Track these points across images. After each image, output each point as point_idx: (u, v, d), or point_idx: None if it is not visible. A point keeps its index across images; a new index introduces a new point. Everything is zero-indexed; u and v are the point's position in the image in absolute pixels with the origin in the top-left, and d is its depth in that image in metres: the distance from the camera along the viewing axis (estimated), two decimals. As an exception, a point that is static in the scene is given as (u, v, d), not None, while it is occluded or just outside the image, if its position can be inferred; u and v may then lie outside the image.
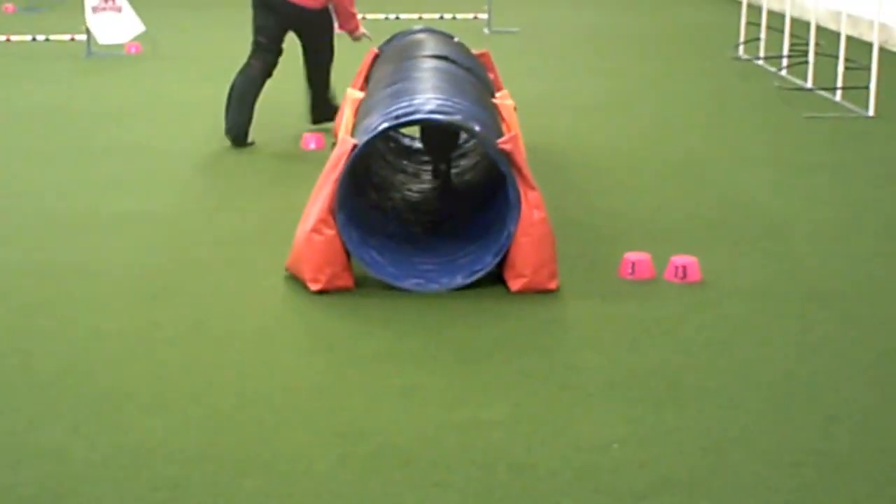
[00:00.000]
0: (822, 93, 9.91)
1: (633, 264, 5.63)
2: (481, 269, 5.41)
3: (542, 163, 7.44)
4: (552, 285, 5.38)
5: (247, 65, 8.23)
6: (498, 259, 5.39)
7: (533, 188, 5.35)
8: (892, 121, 9.07)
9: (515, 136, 5.50)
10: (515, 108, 6.65)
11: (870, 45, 9.77)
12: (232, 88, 8.18)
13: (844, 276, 5.67)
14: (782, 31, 11.17)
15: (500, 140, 5.37)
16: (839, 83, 9.74)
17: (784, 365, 4.64)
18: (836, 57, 9.79)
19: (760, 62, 11.47)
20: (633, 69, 11.47)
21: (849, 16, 10.08)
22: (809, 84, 10.23)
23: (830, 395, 4.37)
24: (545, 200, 5.43)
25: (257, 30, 8.25)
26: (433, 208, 6.55)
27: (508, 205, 5.35)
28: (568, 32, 14.08)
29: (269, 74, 8.26)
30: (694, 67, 11.61)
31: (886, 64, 9.49)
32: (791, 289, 5.50)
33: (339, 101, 8.03)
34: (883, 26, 11.66)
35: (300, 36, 8.38)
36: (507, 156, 5.33)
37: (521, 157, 5.41)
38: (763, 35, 11.63)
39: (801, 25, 11.39)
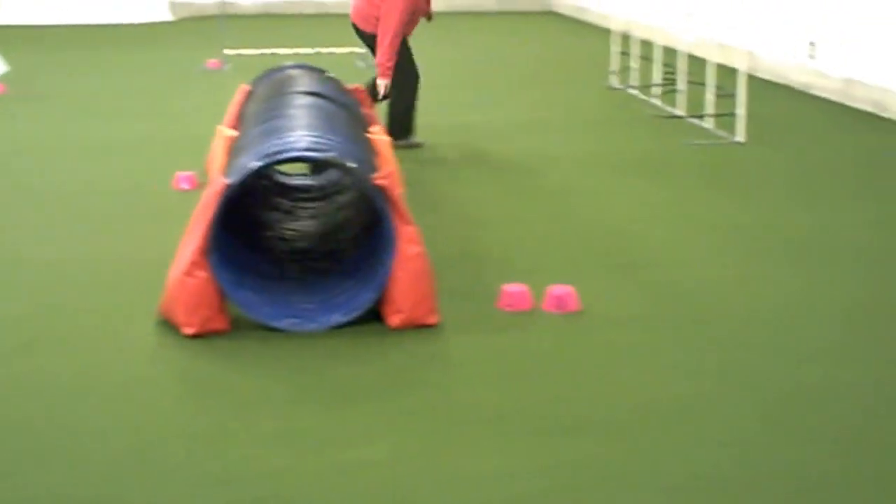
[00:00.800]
0: (694, 120, 10.05)
1: (512, 296, 5.60)
2: (359, 307, 5.33)
3: (419, 196, 7.41)
4: (431, 320, 5.32)
5: None
6: (376, 295, 5.31)
7: (409, 223, 5.30)
8: (762, 146, 9.22)
9: (391, 172, 5.45)
10: (391, 143, 6.61)
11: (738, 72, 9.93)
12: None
13: (721, 300, 5.71)
14: (652, 61, 11.32)
15: (374, 176, 5.31)
16: (709, 110, 9.89)
17: (665, 391, 4.64)
18: (705, 84, 9.95)
19: (633, 91, 11.60)
20: (509, 100, 11.52)
21: (717, 45, 10.24)
22: (681, 112, 10.37)
23: (715, 420, 4.37)
24: (423, 234, 5.37)
25: None
26: (310, 246, 6.45)
27: (385, 241, 5.28)
28: (443, 64, 14.10)
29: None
30: (568, 97, 11.70)
31: (754, 90, 9.65)
32: (669, 314, 5.52)
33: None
34: (750, 54, 11.90)
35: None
36: (383, 191, 5.27)
37: (397, 193, 5.35)
38: (635, 64, 11.77)
39: (671, 54, 11.54)
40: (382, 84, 8.91)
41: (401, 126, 9.15)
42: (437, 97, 11.69)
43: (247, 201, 6.72)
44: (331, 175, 7.49)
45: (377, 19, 8.93)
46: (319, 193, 7.27)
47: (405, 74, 9.07)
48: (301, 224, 6.79)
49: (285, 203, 7.09)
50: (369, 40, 9.10)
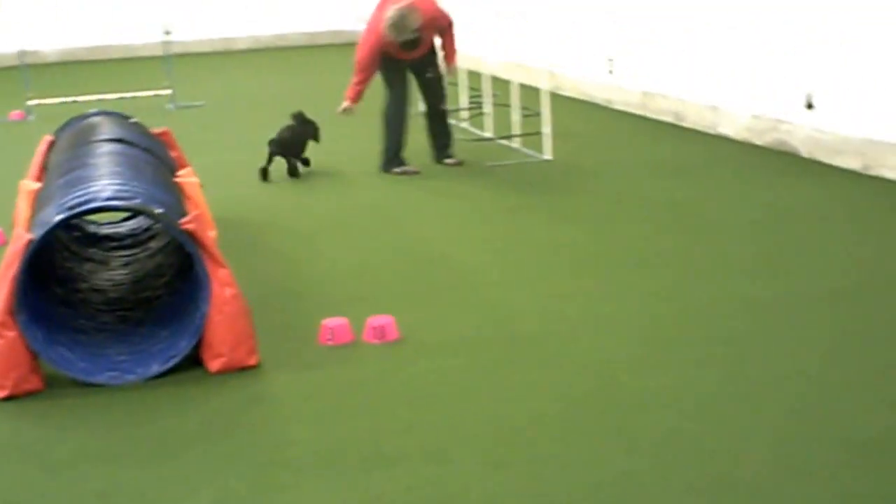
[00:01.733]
0: (503, 141, 10.17)
1: (332, 330, 5.55)
2: (177, 354, 5.21)
3: (234, 236, 7.32)
4: (252, 361, 5.24)
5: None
6: (194, 341, 5.20)
7: (222, 265, 5.20)
8: (568, 162, 9.38)
9: (199, 215, 5.34)
10: (201, 185, 6.50)
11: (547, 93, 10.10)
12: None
13: (538, 319, 5.76)
14: (457, 85, 11.42)
15: (182, 220, 5.21)
16: (516, 131, 10.02)
17: (487, 413, 4.65)
18: (510, 105, 10.09)
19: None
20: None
21: (520, 66, 10.40)
22: (490, 133, 10.48)
23: (541, 440, 4.38)
24: (239, 274, 5.29)
25: None
26: (124, 295, 6.29)
27: (198, 285, 5.18)
28: (255, 102, 13.99)
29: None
30: (374, 125, 11.69)
31: (559, 108, 9.83)
32: (488, 336, 5.54)
33: None
34: (552, 73, 12.12)
35: None
36: (192, 235, 5.17)
37: (207, 236, 5.25)
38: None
39: (476, 77, 11.67)
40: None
41: (392, 157, 9.42)
42: (248, 135, 11.60)
43: (58, 255, 6.54)
44: (142, 221, 7.36)
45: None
46: (132, 240, 7.14)
47: (397, 107, 9.41)
48: (114, 273, 6.64)
49: (99, 253, 6.92)
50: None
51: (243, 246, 7.23)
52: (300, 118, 9.63)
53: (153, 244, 6.98)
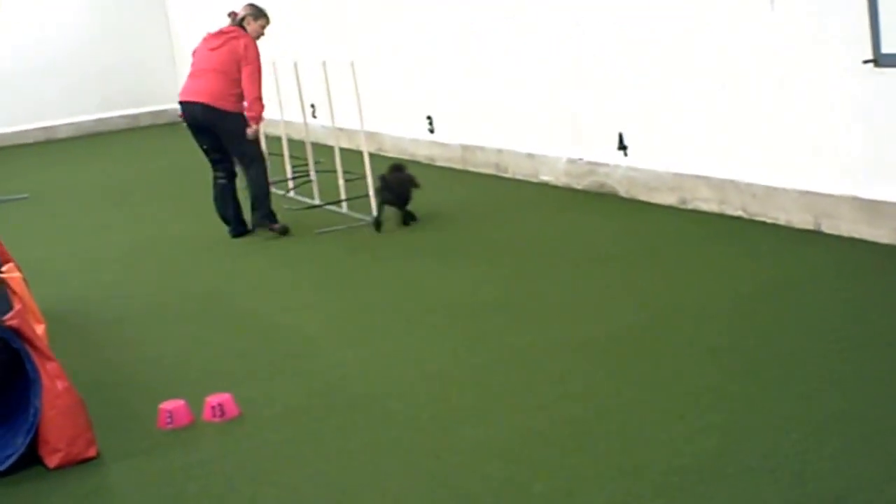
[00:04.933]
0: (331, 207, 10.21)
1: (170, 413, 5.50)
2: (14, 453, 5.10)
3: (65, 328, 7.18)
4: (91, 453, 5.15)
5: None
6: (29, 438, 5.09)
7: (51, 359, 5.12)
8: (394, 219, 9.44)
9: (21, 310, 5.25)
10: (25, 280, 6.39)
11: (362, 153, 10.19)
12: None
13: (371, 380, 5.80)
14: (282, 154, 11.45)
15: (5, 318, 5.11)
16: (342, 195, 10.08)
17: (325, 482, 4.65)
18: (335, 171, 10.15)
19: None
20: (148, 218, 11.34)
21: (341, 130, 10.47)
22: (317, 200, 10.52)
23: (388, 499, 4.41)
24: (72, 365, 5.22)
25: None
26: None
27: (29, 381, 5.08)
28: (81, 191, 13.77)
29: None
30: (200, 203, 11.64)
31: (381, 169, 9.90)
32: (326, 403, 5.56)
33: None
34: (372, 135, 12.24)
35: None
36: (16, 331, 5.08)
37: (32, 330, 5.17)
38: (268, 163, 11.80)
39: (298, 146, 11.71)
40: (253, 128, 9.47)
41: (267, 210, 9.67)
42: (73, 225, 11.41)
43: None
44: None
45: (235, 96, 9.35)
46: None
47: (259, 160, 9.69)
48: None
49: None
50: (216, 118, 9.35)
51: (75, 337, 7.11)
52: (398, 167, 9.45)
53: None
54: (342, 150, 10.23)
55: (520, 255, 7.95)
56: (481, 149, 11.33)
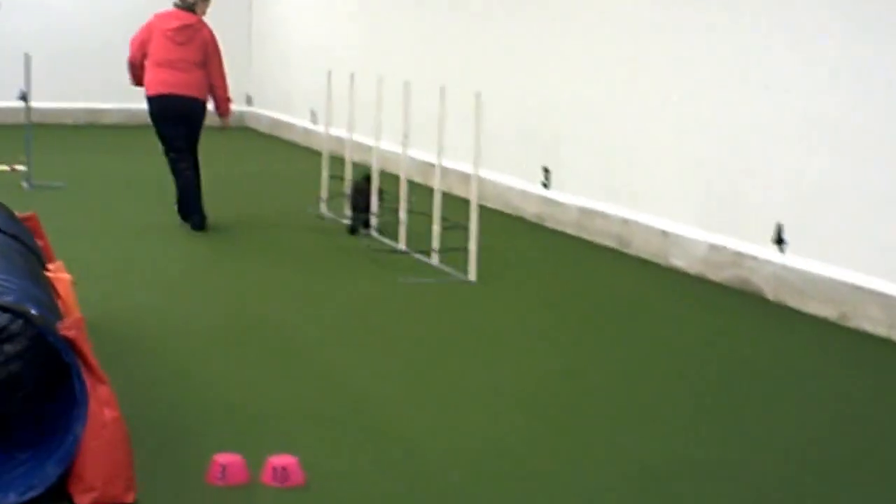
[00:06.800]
0: (419, 256, 10.20)
1: (224, 467, 5.46)
2: (41, 484, 5.08)
3: (107, 346, 7.18)
4: (129, 498, 5.13)
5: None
6: (61, 469, 5.08)
7: (103, 381, 5.12)
8: (494, 285, 9.45)
9: (79, 320, 5.26)
10: (73, 282, 6.42)
11: (467, 201, 10.17)
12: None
13: (447, 448, 5.75)
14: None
15: (61, 324, 5.12)
16: (435, 244, 10.07)
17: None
18: (430, 214, 10.15)
19: (346, 221, 11.69)
20: (206, 231, 11.42)
21: (441, 167, 10.47)
22: (403, 245, 10.52)
23: None
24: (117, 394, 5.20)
25: None
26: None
27: (74, 402, 5.08)
28: (122, 185, 13.91)
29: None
30: (272, 228, 11.69)
31: (484, 222, 9.89)
32: (401, 474, 5.51)
33: None
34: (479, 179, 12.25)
35: None
36: (71, 343, 5.08)
37: (87, 344, 5.17)
38: (348, 190, 11.89)
39: (390, 179, 11.75)
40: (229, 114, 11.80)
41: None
42: (117, 224, 11.50)
43: None
44: (-7, 318, 7.20)
45: (208, 88, 11.42)
46: (-21, 343, 6.97)
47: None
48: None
49: (-63, 354, 6.75)
50: (200, 110, 11.41)
51: (116, 359, 7.10)
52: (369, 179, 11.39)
53: (7, 348, 6.81)
54: (438, 191, 10.24)
55: (636, 355, 7.85)
56: (603, 215, 11.30)
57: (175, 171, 11.48)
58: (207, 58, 11.34)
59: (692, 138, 10.19)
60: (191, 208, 11.39)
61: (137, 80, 11.51)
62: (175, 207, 11.60)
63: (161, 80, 11.18)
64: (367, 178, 11.47)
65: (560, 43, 12.14)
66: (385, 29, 16.28)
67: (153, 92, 11.27)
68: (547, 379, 7.21)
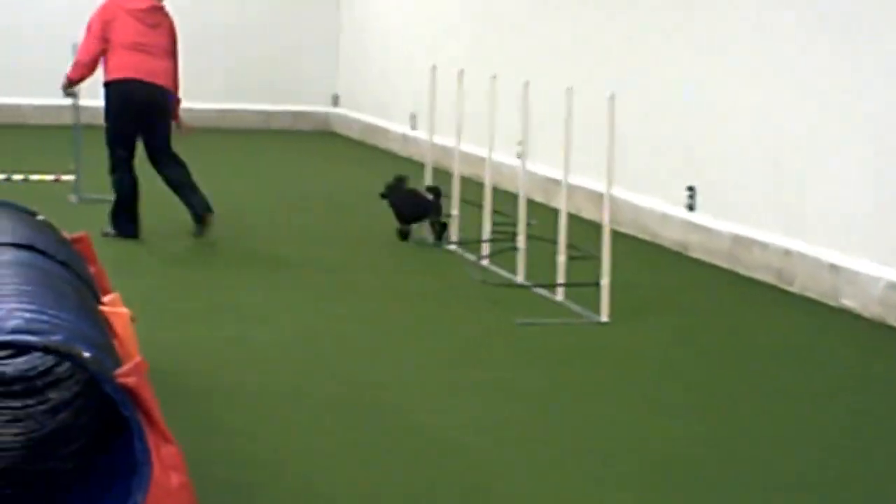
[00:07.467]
0: (541, 290, 10.13)
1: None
2: (89, 557, 5.08)
3: (169, 393, 7.17)
4: (197, 579, 5.11)
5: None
6: (117, 542, 5.07)
7: (168, 441, 5.09)
8: (630, 328, 9.37)
9: (140, 365, 5.23)
10: (133, 319, 6.40)
11: (596, 225, 10.08)
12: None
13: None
14: (481, 206, 11.45)
15: (119, 371, 5.08)
16: (560, 278, 9.98)
17: None
18: (555, 241, 10.06)
19: (454, 247, 11.65)
20: (282, 255, 11.44)
21: (568, 185, 10.40)
22: (521, 278, 10.44)
23: None
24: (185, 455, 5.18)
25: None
26: (14, 466, 6.14)
27: (134, 465, 5.04)
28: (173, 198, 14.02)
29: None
30: (363, 256, 11.69)
31: (618, 250, 9.78)
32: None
33: None
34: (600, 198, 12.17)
35: None
36: (131, 393, 5.04)
37: (150, 395, 5.14)
38: (456, 211, 11.86)
39: (505, 197, 11.70)
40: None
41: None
42: (177, 246, 11.56)
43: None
44: (39, 359, 7.22)
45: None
46: (22, 387, 6.99)
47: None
48: (6, 432, 6.49)
49: (-26, 401, 6.80)
50: (166, 103, 11.82)
51: (184, 409, 7.10)
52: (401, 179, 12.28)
53: (54, 395, 6.85)
54: (546, 207, 10.15)
55: (799, 418, 7.72)
56: (761, 245, 11.18)
57: (120, 172, 11.87)
58: (174, 47, 11.95)
59: (879, 157, 10.02)
60: (130, 218, 11.85)
61: (89, 67, 11.92)
62: (111, 216, 11.88)
63: (132, 63, 11.59)
64: (400, 179, 12.17)
65: (710, 36, 12.04)
66: (499, 21, 16.28)
67: (119, 76, 11.63)
68: (690, 445, 7.12)
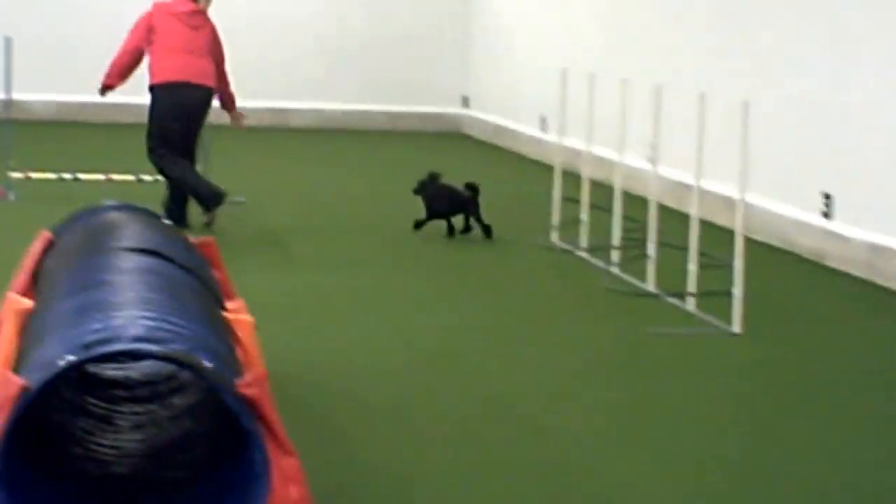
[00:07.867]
0: (671, 299, 10.03)
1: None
2: (208, 575, 5.07)
3: (290, 402, 7.16)
4: None
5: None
6: (234, 556, 5.06)
7: (289, 453, 5.08)
8: (764, 339, 9.24)
9: (262, 375, 5.21)
10: (256, 326, 6.39)
11: (729, 232, 9.96)
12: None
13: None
14: (611, 211, 11.35)
15: (241, 382, 5.06)
16: (691, 286, 9.86)
17: None
18: (686, 248, 9.96)
19: (582, 253, 11.57)
20: (404, 260, 11.43)
21: (700, 191, 10.28)
22: (651, 286, 10.35)
23: None
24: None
25: None
26: (134, 472, 6.15)
27: (253, 477, 5.04)
28: (308, 201, 14.04)
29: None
30: (489, 261, 11.64)
31: (751, 258, 9.65)
32: None
33: None
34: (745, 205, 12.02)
35: None
36: (252, 404, 5.02)
37: (271, 407, 5.12)
38: (585, 216, 11.77)
39: (636, 203, 11.60)
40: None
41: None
42: (304, 250, 11.58)
43: (45, 403, 6.45)
44: (163, 364, 7.24)
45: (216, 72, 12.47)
46: (147, 392, 7.01)
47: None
48: (121, 437, 6.52)
49: (98, 404, 6.80)
50: (208, 105, 12.33)
51: (299, 418, 7.08)
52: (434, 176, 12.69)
53: (178, 401, 6.86)
54: (696, 220, 10.03)
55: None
56: (897, 253, 11.01)
57: (170, 163, 12.28)
58: (216, 48, 12.53)
59: None
60: (184, 212, 12.43)
61: (125, 72, 12.43)
62: (168, 212, 11.91)
63: (181, 66, 12.20)
64: (434, 176, 12.73)
65: (850, 42, 11.85)
66: (632, 24, 16.21)
67: (169, 78, 12.15)
68: (837, 468, 6.94)
